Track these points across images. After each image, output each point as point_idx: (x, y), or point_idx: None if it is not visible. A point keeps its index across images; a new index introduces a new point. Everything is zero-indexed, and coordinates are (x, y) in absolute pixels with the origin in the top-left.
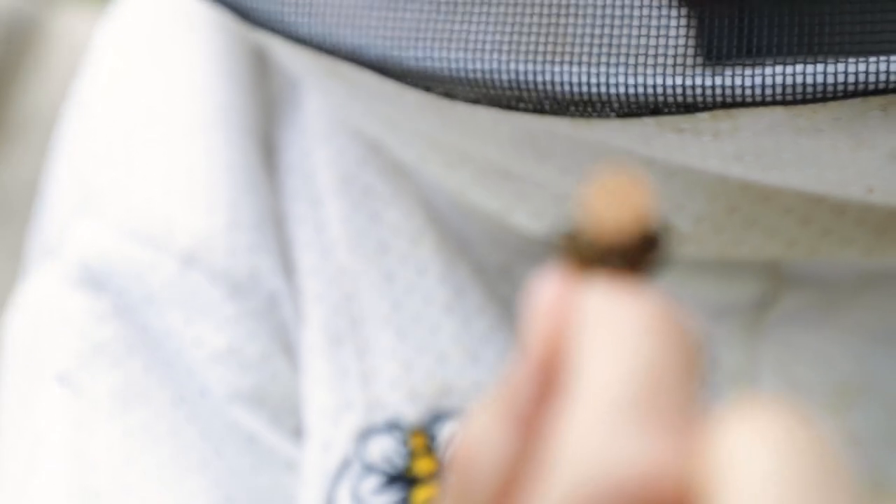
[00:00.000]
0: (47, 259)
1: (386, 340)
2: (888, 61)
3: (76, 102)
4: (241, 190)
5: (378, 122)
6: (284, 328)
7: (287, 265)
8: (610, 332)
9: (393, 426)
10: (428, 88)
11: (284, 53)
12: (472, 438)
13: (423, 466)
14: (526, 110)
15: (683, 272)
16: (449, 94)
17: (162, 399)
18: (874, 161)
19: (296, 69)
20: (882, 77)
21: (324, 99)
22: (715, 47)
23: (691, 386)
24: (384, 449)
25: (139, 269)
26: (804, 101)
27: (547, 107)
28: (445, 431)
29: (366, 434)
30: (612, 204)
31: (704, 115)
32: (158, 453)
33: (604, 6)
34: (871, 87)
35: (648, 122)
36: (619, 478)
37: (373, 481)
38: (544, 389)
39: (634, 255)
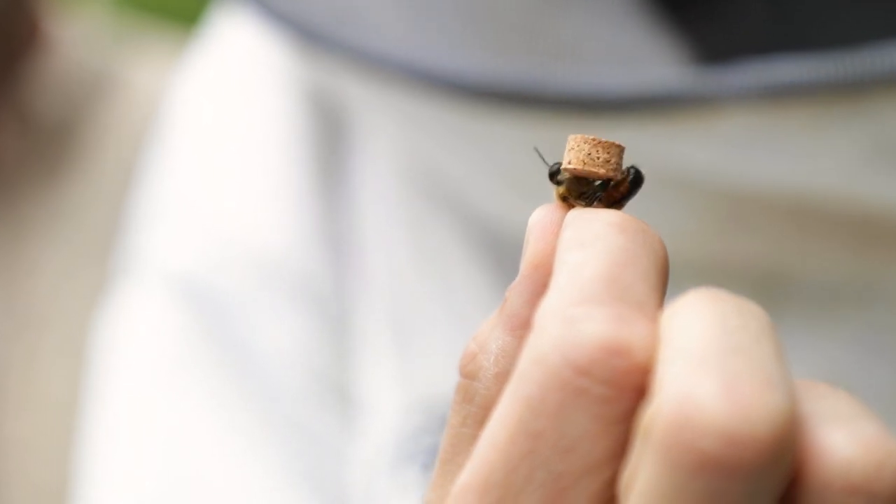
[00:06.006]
0: (135, 274)
1: (439, 339)
2: (860, 57)
3: (162, 142)
4: (305, 212)
5: (430, 144)
6: (343, 332)
7: (348, 275)
8: (583, 228)
9: (443, 419)
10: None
11: (348, 83)
12: (477, 345)
13: None
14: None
15: (679, 282)
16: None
17: (238, 400)
18: (853, 157)
19: (359, 97)
20: (855, 73)
21: (388, 130)
22: (699, 49)
23: (657, 277)
24: (434, 441)
25: (217, 282)
26: (780, 98)
27: (543, 107)
28: None
29: (415, 426)
30: (591, 152)
31: (691, 113)
32: (236, 450)
33: (594, 11)
34: (844, 82)
35: (637, 122)
36: (577, 354)
37: (419, 469)
38: (539, 293)
39: (611, 193)
